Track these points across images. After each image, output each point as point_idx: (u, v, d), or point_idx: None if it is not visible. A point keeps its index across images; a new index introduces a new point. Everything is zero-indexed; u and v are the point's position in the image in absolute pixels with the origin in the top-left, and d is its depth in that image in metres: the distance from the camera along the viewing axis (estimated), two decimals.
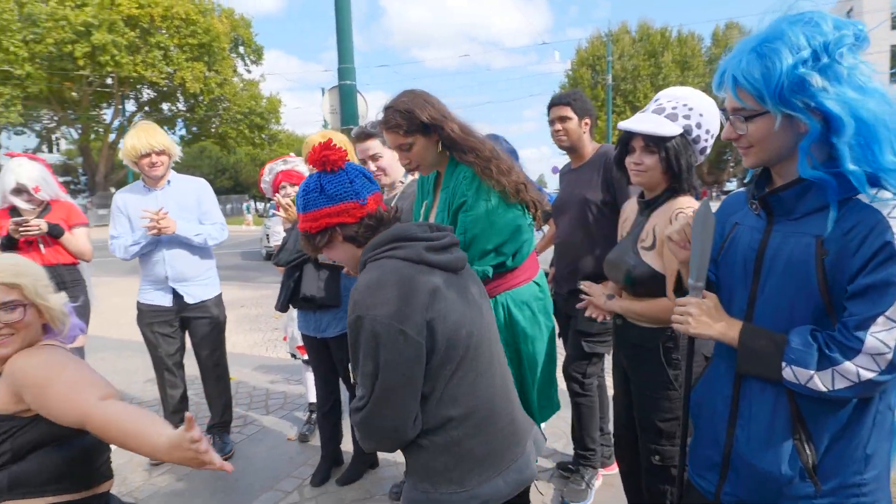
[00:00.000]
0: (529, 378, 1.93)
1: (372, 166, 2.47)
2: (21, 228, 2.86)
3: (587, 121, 2.54)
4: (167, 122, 32.86)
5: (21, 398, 1.26)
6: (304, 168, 3.07)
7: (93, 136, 31.11)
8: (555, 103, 2.56)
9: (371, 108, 6.43)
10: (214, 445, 3.24)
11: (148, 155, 2.89)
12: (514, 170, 1.84)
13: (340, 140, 2.73)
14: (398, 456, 2.97)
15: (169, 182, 3.05)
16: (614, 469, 2.46)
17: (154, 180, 3.00)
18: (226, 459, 3.09)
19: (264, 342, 5.77)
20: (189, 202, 3.06)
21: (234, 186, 46.99)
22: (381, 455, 2.98)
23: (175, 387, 3.17)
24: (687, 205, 1.63)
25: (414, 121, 1.79)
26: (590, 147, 2.57)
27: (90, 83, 27.08)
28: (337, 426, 2.90)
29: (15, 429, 1.26)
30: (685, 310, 1.21)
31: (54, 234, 2.98)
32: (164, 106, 32.18)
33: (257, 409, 3.84)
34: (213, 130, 31.81)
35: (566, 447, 2.98)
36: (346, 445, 2.97)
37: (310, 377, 3.39)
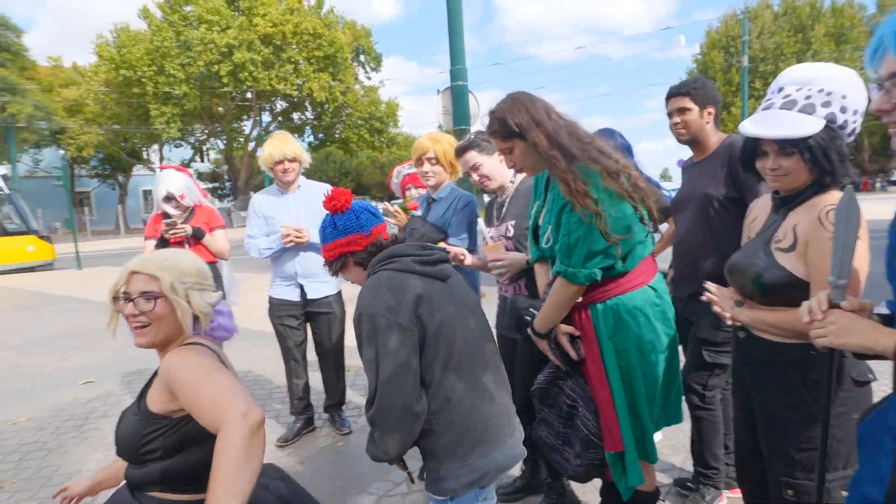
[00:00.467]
0: (644, 390, 1.79)
1: (475, 176, 2.46)
2: (170, 231, 3.25)
3: (710, 110, 2.32)
4: (297, 130, 35.59)
5: (174, 396, 1.31)
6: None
7: (235, 145, 34.57)
8: (672, 94, 2.36)
9: (483, 107, 6.44)
10: (334, 423, 3.53)
11: (281, 162, 3.17)
12: (616, 173, 1.70)
13: (448, 142, 2.76)
14: None
15: (300, 186, 3.32)
16: (739, 493, 2.24)
17: (286, 185, 3.29)
18: (345, 435, 3.36)
19: None
20: (316, 206, 3.26)
21: (357, 188, 49.73)
22: None
23: (299, 377, 3.45)
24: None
25: (507, 127, 1.76)
26: (714, 138, 2.34)
27: (233, 98, 30.15)
28: None
29: (168, 427, 1.34)
30: (825, 317, 1.05)
31: (197, 236, 3.35)
32: (295, 115, 34.89)
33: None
34: (337, 136, 33.97)
35: (685, 462, 2.76)
36: None
37: None
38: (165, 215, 3.40)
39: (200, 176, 39.75)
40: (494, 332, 2.56)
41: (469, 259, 2.46)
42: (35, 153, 33.98)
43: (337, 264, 1.70)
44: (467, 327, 1.58)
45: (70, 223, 17.65)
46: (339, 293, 3.45)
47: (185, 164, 38.05)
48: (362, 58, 34.39)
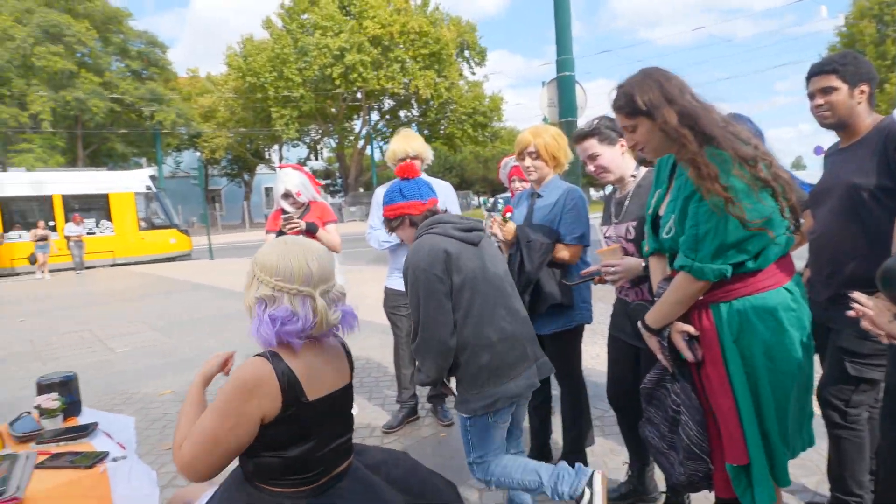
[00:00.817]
0: (773, 402, 1.61)
1: (591, 166, 2.29)
2: (287, 226, 3.47)
3: (863, 88, 2.01)
4: (404, 127, 36.65)
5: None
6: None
7: (346, 144, 36.36)
8: (815, 72, 2.08)
9: (591, 97, 6.20)
10: (436, 414, 3.59)
11: (403, 159, 3.26)
12: (754, 159, 1.53)
13: (551, 135, 2.64)
14: (607, 459, 2.84)
15: None
16: None
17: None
18: (447, 426, 3.39)
19: None
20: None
21: (461, 183, 50.30)
22: (589, 456, 2.88)
23: (406, 367, 3.55)
24: None
25: (633, 103, 1.63)
26: (868, 120, 2.03)
27: (344, 99, 31.72)
28: (546, 422, 2.88)
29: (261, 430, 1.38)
30: None
31: (311, 231, 3.54)
32: (402, 113, 35.99)
33: None
34: (441, 132, 34.56)
35: (819, 486, 2.47)
36: (557, 441, 2.93)
37: None
38: (283, 211, 3.63)
39: (315, 174, 42.19)
40: (608, 333, 2.48)
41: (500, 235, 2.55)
42: (176, 156, 38.11)
43: (395, 222, 2.14)
44: (491, 284, 1.97)
45: (204, 218, 19.55)
46: None
47: (301, 163, 40.71)
48: (467, 53, 34.67)
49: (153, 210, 17.94)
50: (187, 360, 5.41)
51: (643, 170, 2.29)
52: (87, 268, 15.79)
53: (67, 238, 15.31)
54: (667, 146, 1.66)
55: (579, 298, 2.61)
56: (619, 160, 2.28)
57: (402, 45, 29.98)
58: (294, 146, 38.72)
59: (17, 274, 15.27)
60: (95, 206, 17.05)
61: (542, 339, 2.65)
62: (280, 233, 3.49)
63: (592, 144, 2.27)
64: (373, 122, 35.57)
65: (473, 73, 35.52)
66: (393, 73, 29.64)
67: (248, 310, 1.44)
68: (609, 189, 2.52)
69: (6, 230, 15.51)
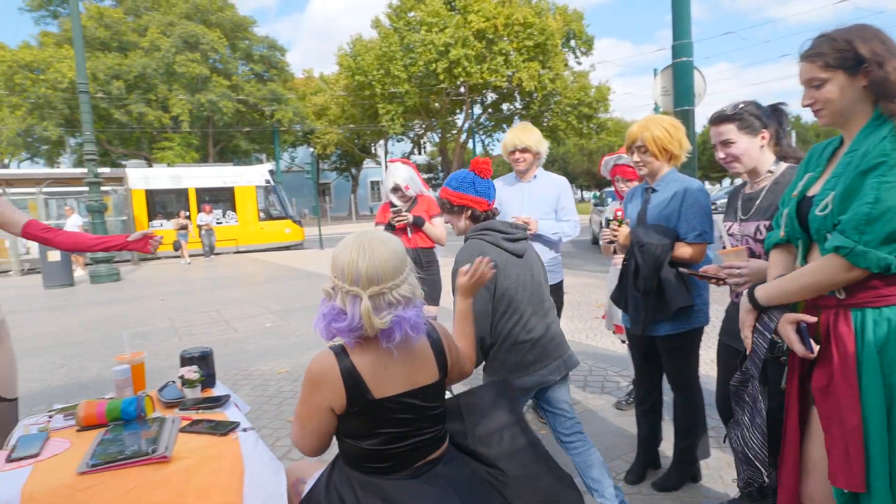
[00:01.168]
0: None
1: (721, 153, 2.10)
2: (396, 218, 3.59)
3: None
4: (506, 121, 36.45)
5: None
6: (627, 159, 3.04)
7: (448, 138, 36.87)
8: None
9: (710, 83, 5.79)
10: (537, 411, 3.53)
11: (513, 151, 3.29)
12: None
13: (663, 126, 2.48)
14: (723, 473, 2.65)
15: (535, 177, 3.39)
16: None
17: (520, 174, 3.39)
18: (546, 424, 3.34)
19: (585, 329, 5.89)
20: (548, 196, 3.35)
21: (564, 176, 49.21)
22: (703, 469, 2.71)
23: None
24: None
25: (845, 53, 1.43)
26: None
27: (447, 94, 32.12)
28: (655, 428, 2.75)
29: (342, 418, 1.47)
30: None
31: (417, 224, 3.64)
32: (504, 106, 35.79)
33: (576, 392, 3.95)
34: (544, 125, 33.93)
35: None
36: (667, 449, 2.79)
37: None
38: (392, 204, 3.77)
39: (418, 167, 43.34)
40: (718, 340, 2.31)
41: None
42: (291, 151, 40.79)
43: (456, 208, 2.25)
44: (528, 291, 2.17)
45: (316, 210, 20.77)
46: (561, 283, 3.45)
47: (406, 157, 41.94)
48: (573, 43, 33.69)
49: (271, 202, 19.37)
50: (301, 343, 5.80)
51: (783, 165, 2.07)
52: (216, 254, 17.40)
53: (199, 227, 16.98)
54: (852, 109, 1.47)
55: (700, 300, 2.44)
56: (755, 152, 2.07)
57: (505, 38, 29.79)
58: (398, 141, 39.97)
59: (159, 258, 17.17)
60: (223, 198, 18.74)
61: (654, 340, 2.52)
62: (389, 225, 3.62)
63: (730, 130, 2.08)
64: (475, 116, 35.73)
65: (579, 63, 34.48)
66: (496, 66, 29.53)
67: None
68: (724, 183, 2.32)
69: (150, 219, 17.52)
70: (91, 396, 1.98)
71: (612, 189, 3.06)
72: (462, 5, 29.60)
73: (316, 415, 1.44)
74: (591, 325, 6.08)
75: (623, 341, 3.46)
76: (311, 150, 35.51)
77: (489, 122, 37.90)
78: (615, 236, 2.50)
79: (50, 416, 1.85)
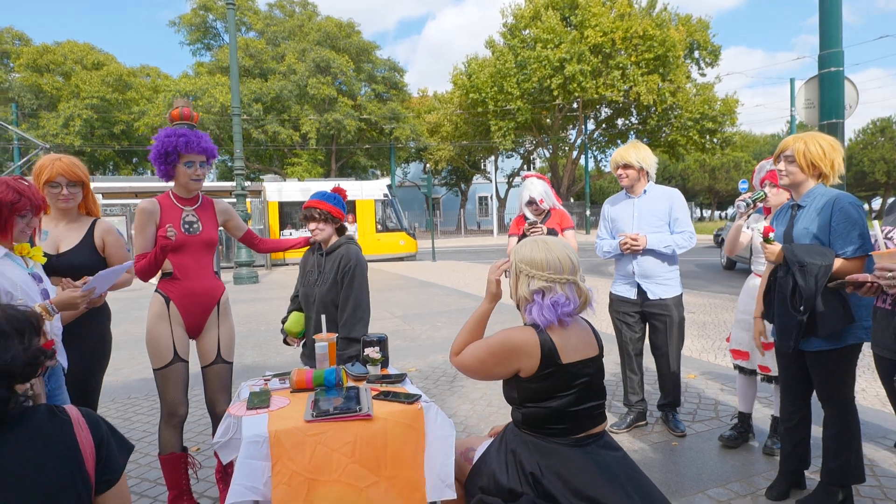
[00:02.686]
0: None
1: None
2: (530, 230, 3.80)
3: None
4: (620, 136, 35.50)
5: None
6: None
7: (560, 153, 36.59)
8: None
9: (863, 92, 5.42)
10: (667, 422, 3.59)
11: (617, 168, 3.49)
12: None
13: (818, 142, 2.44)
14: (879, 503, 2.53)
15: (645, 191, 3.53)
16: None
17: (628, 189, 3.55)
18: (679, 436, 3.41)
19: (711, 349, 5.70)
20: (660, 210, 3.45)
21: (682, 193, 46.75)
22: (855, 495, 2.60)
23: (634, 372, 3.63)
24: None
25: None
26: None
27: (560, 109, 31.99)
28: (801, 445, 2.67)
29: (515, 382, 1.79)
30: None
31: (550, 235, 3.84)
32: (619, 121, 34.91)
33: (705, 409, 3.89)
34: (662, 139, 32.61)
35: None
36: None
37: (748, 383, 3.33)
38: (525, 217, 3.99)
39: None
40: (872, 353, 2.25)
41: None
42: (404, 167, 42.67)
43: (334, 221, 2.75)
44: None
45: (429, 223, 21.59)
46: (680, 296, 3.49)
47: (515, 173, 42.13)
48: (697, 54, 32.17)
49: (388, 215, 20.48)
50: (426, 346, 6.18)
51: None
52: None
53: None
54: None
55: (860, 315, 2.38)
56: None
57: (623, 52, 29.15)
58: (508, 157, 40.32)
59: (287, 264, 18.79)
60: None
61: (804, 354, 2.50)
62: (523, 235, 3.84)
63: None
64: (588, 132, 35.17)
65: (703, 75, 32.79)
66: (612, 81, 28.96)
67: (520, 300, 1.83)
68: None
69: (281, 228, 19.25)
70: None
71: (747, 196, 2.99)
72: (578, 21, 29.44)
73: (500, 368, 1.76)
74: (716, 344, 5.87)
75: (737, 367, 3.35)
76: (424, 165, 36.91)
77: (602, 138, 37.11)
78: (766, 251, 2.51)
79: (266, 380, 2.27)
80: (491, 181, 39.65)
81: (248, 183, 19.29)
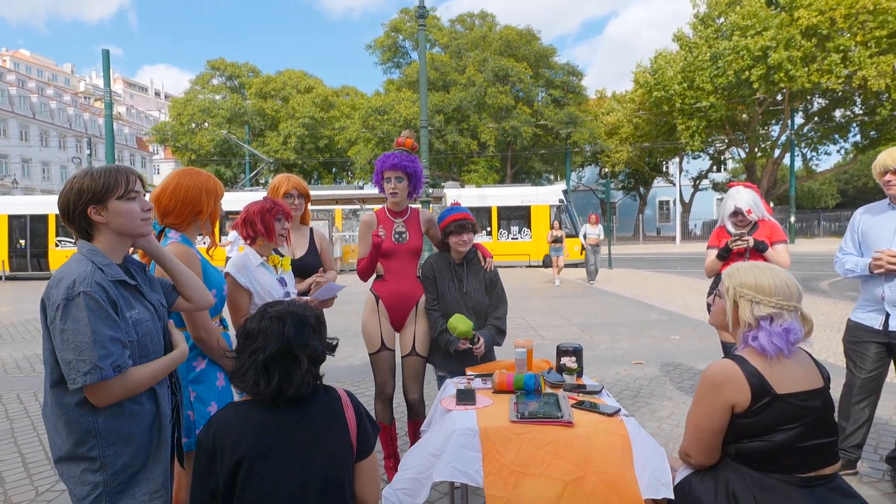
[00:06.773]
0: None
1: None
2: (735, 242, 3.52)
3: None
4: (837, 130, 30.61)
5: None
6: None
7: (758, 153, 32.67)
8: None
9: None
10: (894, 480, 3.03)
11: (885, 173, 2.90)
12: None
13: None
14: None
15: None
16: None
17: (894, 199, 2.96)
18: None
19: None
20: None
21: None
22: None
23: (858, 412, 3.12)
24: None
25: None
26: None
27: (760, 103, 28.55)
28: None
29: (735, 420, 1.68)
30: None
31: (759, 249, 3.49)
32: (836, 113, 30.08)
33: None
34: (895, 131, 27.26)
35: None
36: None
37: None
38: (726, 229, 3.70)
39: (715, 186, 39.52)
40: None
41: None
42: (579, 171, 41.75)
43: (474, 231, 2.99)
44: None
45: (607, 230, 20.90)
46: None
47: (702, 175, 38.66)
48: None
49: (563, 221, 20.28)
50: (607, 357, 6.03)
51: None
52: (507, 266, 19.02)
53: (582, 242, 18.82)
54: None
55: None
56: None
57: (845, 32, 25.01)
58: (694, 158, 37.14)
59: None
60: (519, 216, 20.44)
61: None
62: (725, 248, 3.58)
63: None
64: (795, 127, 30.83)
65: None
66: (830, 66, 25.00)
67: (742, 325, 1.73)
68: None
69: None
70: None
71: None
72: (787, 1, 26.02)
73: (715, 413, 1.67)
74: None
75: None
76: (601, 169, 35.74)
77: (815, 133, 32.25)
78: None
79: (469, 379, 2.48)
80: (674, 184, 36.87)
81: (431, 190, 20.67)
